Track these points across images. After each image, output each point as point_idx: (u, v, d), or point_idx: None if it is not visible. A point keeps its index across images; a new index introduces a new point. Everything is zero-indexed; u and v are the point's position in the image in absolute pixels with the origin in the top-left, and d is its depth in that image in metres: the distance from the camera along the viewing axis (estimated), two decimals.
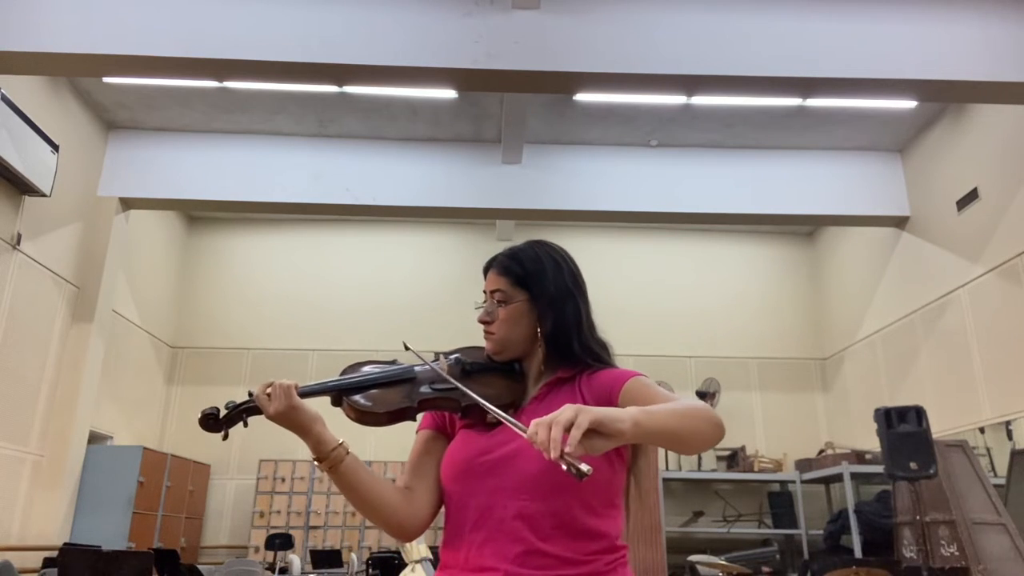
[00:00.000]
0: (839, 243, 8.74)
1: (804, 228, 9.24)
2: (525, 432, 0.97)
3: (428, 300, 8.77)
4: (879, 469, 5.31)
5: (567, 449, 0.91)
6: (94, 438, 6.91)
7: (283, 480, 7.91)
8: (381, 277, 8.96)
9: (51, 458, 6.32)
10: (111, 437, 7.42)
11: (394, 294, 8.85)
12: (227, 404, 1.27)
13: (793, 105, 6.54)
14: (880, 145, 7.41)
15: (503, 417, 1.09)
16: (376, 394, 1.29)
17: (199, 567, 5.29)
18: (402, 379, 1.33)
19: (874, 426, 4.84)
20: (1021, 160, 5.83)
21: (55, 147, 6.01)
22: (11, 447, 5.90)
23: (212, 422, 1.25)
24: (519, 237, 9.08)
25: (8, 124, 5.47)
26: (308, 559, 7.12)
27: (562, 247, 1.43)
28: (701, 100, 6.30)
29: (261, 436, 8.29)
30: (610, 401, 1.22)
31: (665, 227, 8.97)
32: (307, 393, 1.27)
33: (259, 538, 7.54)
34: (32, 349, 6.13)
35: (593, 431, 0.94)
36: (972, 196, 6.34)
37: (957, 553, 4.84)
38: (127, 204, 7.17)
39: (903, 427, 4.68)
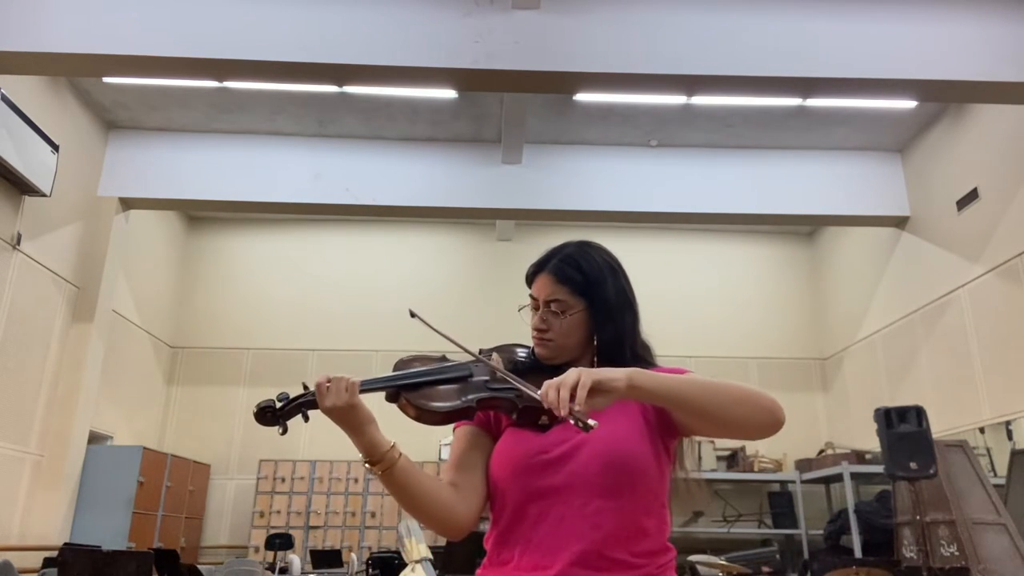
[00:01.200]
0: (839, 243, 8.74)
1: (804, 228, 9.24)
2: (537, 395, 1.07)
3: (428, 300, 8.77)
4: (879, 469, 5.31)
5: (575, 407, 1.01)
6: (94, 438, 6.91)
7: (283, 480, 7.91)
8: (381, 277, 8.95)
9: (51, 458, 6.32)
10: (111, 437, 7.42)
11: (394, 294, 8.85)
12: (280, 396, 1.22)
13: (793, 105, 6.53)
14: (880, 145, 7.41)
15: (528, 390, 1.14)
16: (435, 392, 1.26)
17: (199, 567, 5.29)
18: (459, 377, 1.30)
19: (874, 426, 4.84)
20: (1021, 160, 5.83)
21: (55, 147, 6.01)
22: (11, 447, 5.90)
23: (269, 415, 1.20)
24: (519, 237, 9.10)
25: (8, 124, 5.47)
26: (308, 559, 7.12)
27: (606, 248, 1.41)
28: (701, 100, 6.30)
29: (261, 436, 8.31)
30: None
31: (665, 227, 8.97)
32: (366, 389, 1.23)
33: (259, 538, 7.54)
34: (32, 349, 6.13)
35: (595, 390, 1.04)
36: (972, 196, 6.34)
37: (957, 553, 4.84)
38: (127, 204, 7.17)
39: (903, 427, 4.68)
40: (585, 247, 1.37)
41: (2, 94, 5.41)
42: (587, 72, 5.07)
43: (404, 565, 4.88)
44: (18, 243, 5.90)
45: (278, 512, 7.80)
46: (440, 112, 6.94)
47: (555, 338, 1.32)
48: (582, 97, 6.31)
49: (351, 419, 1.19)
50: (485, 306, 8.57)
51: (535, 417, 1.25)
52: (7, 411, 5.83)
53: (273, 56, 4.95)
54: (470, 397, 1.26)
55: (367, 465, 1.22)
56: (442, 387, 1.27)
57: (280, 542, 6.90)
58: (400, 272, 8.98)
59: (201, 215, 9.08)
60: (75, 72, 5.87)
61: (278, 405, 1.21)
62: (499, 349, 1.40)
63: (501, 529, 1.25)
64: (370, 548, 7.53)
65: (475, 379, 1.29)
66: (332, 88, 6.22)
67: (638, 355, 1.33)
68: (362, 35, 5.02)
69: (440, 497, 1.24)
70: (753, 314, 9.02)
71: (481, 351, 1.35)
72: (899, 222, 7.40)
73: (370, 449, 1.20)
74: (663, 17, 5.16)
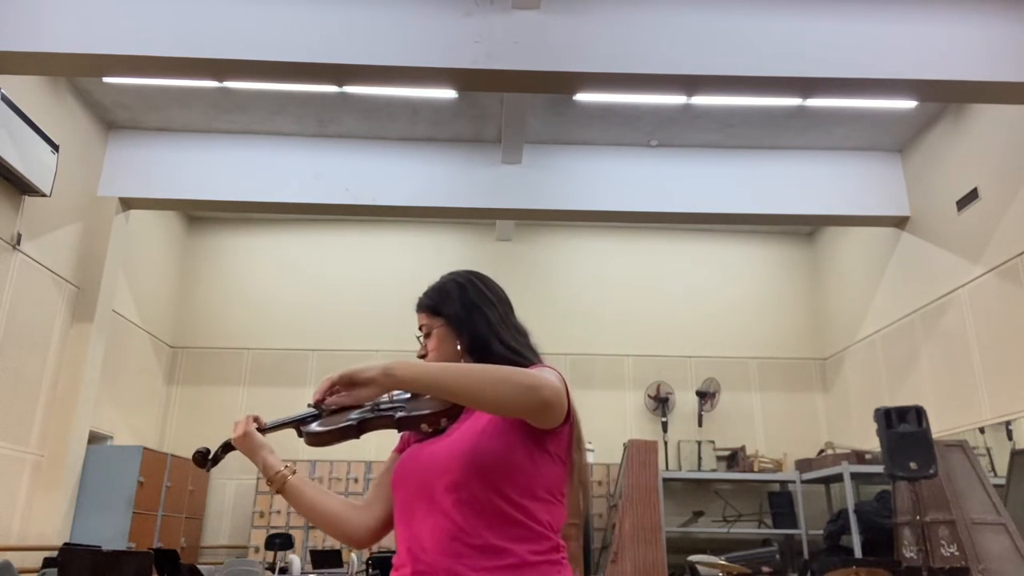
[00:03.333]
0: (839, 243, 8.74)
1: (804, 228, 9.24)
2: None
3: None
4: (879, 469, 5.31)
5: (317, 396, 1.27)
6: (94, 438, 6.91)
7: None
8: (381, 277, 8.95)
9: (51, 458, 6.32)
10: (111, 437, 7.42)
11: (394, 294, 8.83)
12: (224, 445, 1.52)
13: (793, 105, 6.53)
14: (880, 145, 7.41)
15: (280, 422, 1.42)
16: (321, 421, 1.42)
17: (199, 567, 5.29)
18: (345, 408, 1.43)
19: (874, 426, 4.85)
20: (1021, 160, 5.83)
21: (55, 147, 6.01)
22: (11, 447, 5.90)
23: (201, 460, 1.50)
24: (519, 237, 9.10)
25: (8, 124, 5.47)
26: (308, 559, 7.12)
27: (472, 270, 1.57)
28: (701, 100, 6.30)
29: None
30: None
31: (665, 227, 8.97)
32: (270, 428, 1.49)
33: (259, 538, 7.54)
34: (32, 349, 6.13)
35: (350, 382, 1.22)
36: (972, 196, 6.34)
37: (957, 553, 4.84)
38: (127, 204, 7.18)
39: (903, 427, 4.68)
40: (445, 277, 1.56)
41: (2, 94, 5.41)
42: (587, 72, 5.07)
43: None
44: (18, 243, 5.90)
45: (278, 512, 7.80)
46: (440, 112, 6.94)
47: (429, 358, 1.47)
48: (582, 97, 6.30)
49: (246, 446, 1.46)
50: None
51: (415, 426, 1.36)
52: (7, 411, 5.83)
53: (273, 56, 4.95)
54: (352, 417, 1.40)
55: (268, 484, 1.46)
56: (330, 416, 1.41)
57: (280, 542, 6.90)
58: (400, 272, 8.97)
59: (201, 215, 9.08)
60: (75, 72, 5.86)
61: (211, 453, 1.50)
62: None
63: (397, 536, 1.35)
64: (370, 548, 7.53)
65: (363, 407, 1.42)
66: (332, 88, 6.22)
67: (509, 346, 1.40)
68: (362, 35, 5.02)
69: (334, 511, 1.44)
70: (753, 314, 9.02)
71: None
72: (899, 222, 7.40)
73: (264, 470, 1.46)
74: (663, 17, 5.16)
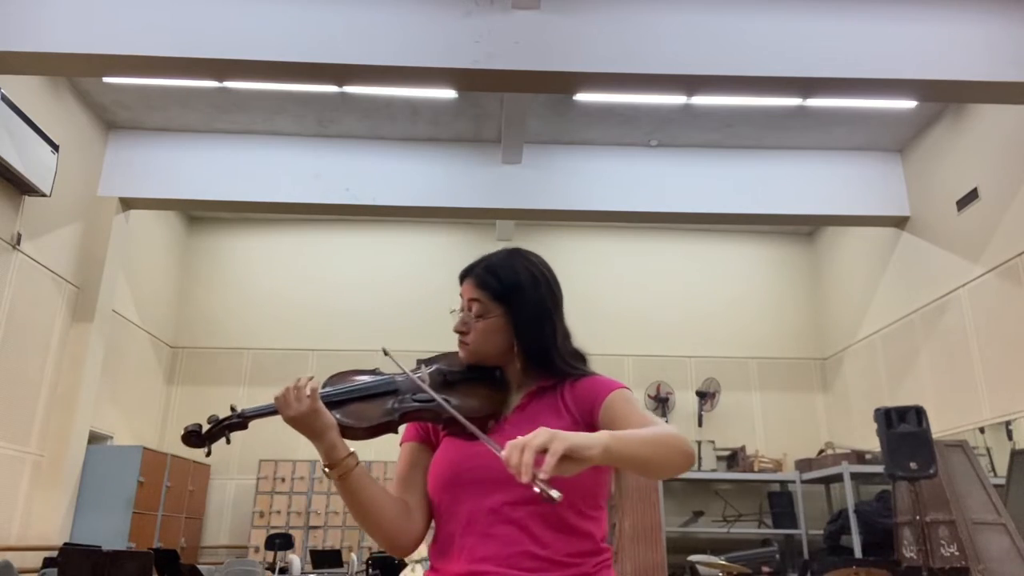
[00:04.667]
0: (839, 243, 8.74)
1: (804, 228, 9.24)
2: (500, 452, 1.00)
3: (428, 300, 8.76)
4: (879, 469, 5.31)
5: (541, 475, 0.94)
6: (94, 438, 6.91)
7: (283, 480, 7.91)
8: (381, 277, 8.95)
9: (51, 458, 6.32)
10: (111, 437, 7.42)
11: (394, 294, 8.85)
12: (210, 419, 1.27)
13: (793, 105, 6.53)
14: (880, 145, 7.41)
15: (479, 435, 1.12)
16: (357, 408, 1.29)
17: (199, 567, 5.29)
18: (384, 391, 1.32)
19: (874, 426, 4.84)
20: (1021, 160, 5.83)
21: (55, 147, 6.01)
22: (11, 447, 5.90)
23: (195, 438, 1.25)
24: (519, 237, 9.09)
25: (8, 124, 5.47)
26: (308, 559, 7.12)
27: (539, 256, 1.43)
28: (701, 100, 6.30)
29: (261, 436, 8.30)
30: (592, 412, 1.25)
31: (665, 227, 8.97)
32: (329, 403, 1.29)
33: (259, 538, 7.54)
34: (32, 349, 6.13)
35: (566, 457, 0.97)
36: (972, 196, 6.34)
37: (957, 553, 4.84)
38: (127, 204, 7.17)
39: (903, 427, 4.68)
40: (513, 255, 1.40)
41: (2, 94, 5.41)
42: (587, 72, 5.07)
43: (404, 565, 4.88)
44: (18, 243, 5.90)
45: (278, 512, 7.80)
46: (440, 112, 6.94)
47: (471, 342, 1.35)
48: (582, 97, 6.30)
49: (314, 425, 1.23)
50: None
51: (462, 426, 1.26)
52: (7, 411, 5.83)
53: (273, 56, 4.95)
54: (394, 409, 1.28)
55: (325, 470, 1.26)
56: (364, 403, 1.29)
57: (280, 542, 6.90)
58: (400, 272, 8.98)
59: (201, 215, 9.08)
60: (75, 72, 5.86)
61: (204, 429, 1.25)
62: (439, 357, 1.42)
63: (438, 538, 1.28)
64: (370, 548, 7.53)
65: (402, 392, 1.31)
66: (332, 88, 6.22)
67: (566, 361, 1.33)
68: (362, 35, 5.02)
69: (390, 513, 1.28)
70: (753, 314, 9.02)
71: (418, 361, 1.40)
72: (899, 222, 7.40)
73: (330, 452, 1.25)
74: (663, 17, 5.16)
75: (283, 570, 6.67)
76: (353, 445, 1.29)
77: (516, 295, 1.33)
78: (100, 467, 6.67)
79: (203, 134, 7.27)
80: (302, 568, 6.89)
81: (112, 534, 6.38)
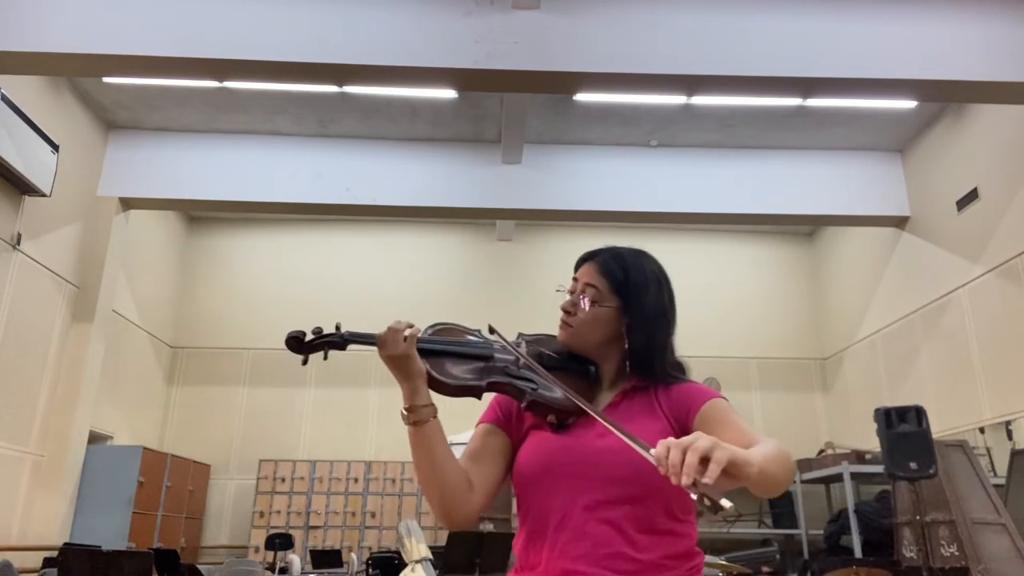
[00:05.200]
0: (839, 243, 8.74)
1: (804, 228, 9.24)
2: (649, 451, 0.94)
3: (428, 300, 8.77)
4: (879, 469, 5.31)
5: (707, 481, 0.88)
6: (94, 438, 6.91)
7: (283, 480, 7.91)
8: (381, 277, 8.95)
9: (51, 458, 6.32)
10: (111, 437, 7.42)
11: (394, 294, 8.85)
12: (314, 329, 1.29)
13: (793, 105, 6.53)
14: (880, 145, 7.41)
15: (610, 424, 1.06)
16: (449, 364, 1.29)
17: (199, 567, 5.29)
18: (479, 355, 1.31)
19: (874, 426, 4.84)
20: (1021, 160, 5.83)
21: (55, 147, 6.01)
22: (11, 447, 5.90)
23: (294, 344, 1.28)
24: (519, 237, 9.10)
25: (8, 124, 5.47)
26: (308, 559, 7.12)
27: (658, 262, 1.40)
28: (701, 100, 6.30)
29: (261, 436, 8.32)
30: (687, 418, 1.22)
31: (665, 227, 8.96)
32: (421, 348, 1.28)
33: (259, 538, 7.54)
34: (32, 349, 6.13)
35: (726, 471, 0.90)
36: (972, 196, 6.34)
37: (957, 553, 4.84)
38: (127, 204, 7.17)
39: (903, 427, 4.68)
40: (640, 254, 1.37)
41: (2, 94, 5.41)
42: (587, 72, 5.07)
43: (404, 565, 4.88)
44: (18, 243, 5.90)
45: (278, 512, 7.80)
46: (440, 112, 6.94)
47: (576, 324, 1.32)
48: (582, 97, 6.30)
49: (405, 368, 1.24)
50: (485, 305, 8.58)
51: (543, 413, 1.25)
52: (7, 411, 5.83)
53: (273, 56, 4.95)
54: (482, 376, 1.28)
55: (404, 412, 1.25)
56: (462, 362, 1.29)
57: (280, 542, 6.90)
58: (400, 272, 8.98)
59: (201, 215, 9.08)
60: (75, 72, 5.86)
61: (307, 337, 1.27)
62: (539, 339, 1.40)
63: (528, 532, 1.25)
64: (370, 548, 7.53)
65: (496, 362, 1.30)
66: (332, 88, 6.22)
67: (670, 371, 1.31)
68: (362, 35, 5.02)
69: (455, 477, 1.25)
70: (753, 314, 9.02)
71: (520, 335, 1.37)
72: (899, 222, 7.40)
73: (412, 396, 1.24)
74: (663, 17, 5.16)
75: (283, 570, 6.67)
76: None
77: (639, 293, 1.31)
78: (100, 467, 6.67)
79: (203, 134, 7.27)
80: (302, 568, 6.89)
81: (112, 534, 6.38)
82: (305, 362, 1.31)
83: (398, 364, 1.24)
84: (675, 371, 1.32)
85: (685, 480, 0.88)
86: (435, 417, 1.25)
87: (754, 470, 0.93)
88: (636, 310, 1.30)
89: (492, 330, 1.36)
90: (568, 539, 1.18)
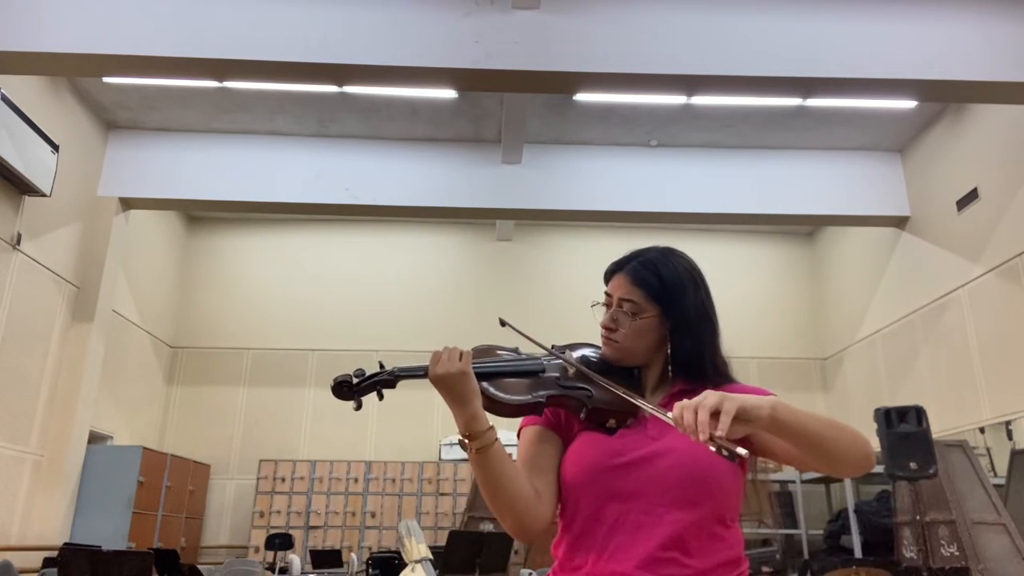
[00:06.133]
0: (839, 243, 8.74)
1: (804, 228, 9.24)
2: (668, 416, 1.01)
3: (428, 300, 8.77)
4: (879, 469, 5.31)
5: (718, 433, 0.95)
6: (94, 438, 6.91)
7: (283, 480, 7.91)
8: (381, 277, 8.95)
9: (51, 458, 6.32)
10: (111, 437, 7.42)
11: (394, 294, 8.85)
12: (356, 372, 1.23)
13: (793, 105, 6.53)
14: (880, 145, 7.41)
15: (651, 408, 1.10)
16: (505, 383, 1.24)
17: (199, 567, 5.29)
18: (531, 371, 1.27)
19: (874, 426, 4.84)
20: (1021, 160, 5.83)
21: (55, 147, 6.01)
22: (11, 447, 5.90)
23: (346, 390, 1.22)
24: (519, 237, 9.10)
25: (8, 124, 5.47)
26: (308, 559, 7.12)
27: (690, 257, 1.38)
28: (701, 100, 6.30)
29: (261, 436, 8.32)
30: None
31: (665, 227, 8.95)
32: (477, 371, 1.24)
33: (259, 538, 7.54)
34: (32, 349, 6.13)
35: (737, 418, 0.98)
36: (972, 196, 6.34)
37: (957, 553, 4.83)
38: (127, 204, 7.17)
39: (903, 427, 4.68)
40: (669, 254, 1.34)
41: (2, 94, 5.41)
42: (587, 72, 5.07)
43: (404, 565, 4.88)
44: (18, 243, 5.90)
45: (278, 512, 7.80)
46: (440, 112, 6.94)
47: (621, 340, 1.29)
48: (582, 97, 6.30)
49: (461, 389, 1.16)
50: (485, 305, 8.58)
51: (603, 419, 1.23)
52: (7, 411, 5.83)
53: (273, 56, 4.95)
54: (540, 393, 1.24)
55: (464, 440, 1.18)
56: (515, 380, 1.25)
57: (280, 542, 6.90)
58: (400, 272, 8.98)
59: (201, 215, 9.08)
60: (75, 72, 5.86)
61: (355, 381, 1.22)
62: (571, 347, 1.37)
63: (574, 534, 1.22)
64: (370, 548, 7.53)
65: (547, 375, 1.27)
66: (332, 88, 6.22)
67: (719, 371, 1.28)
68: (362, 35, 5.02)
69: (526, 492, 1.20)
70: (753, 314, 9.01)
71: (554, 347, 1.34)
72: (899, 222, 7.40)
73: (471, 423, 1.17)
74: (663, 17, 5.16)
75: (283, 570, 6.67)
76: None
77: (677, 297, 1.27)
78: (100, 467, 6.67)
79: (203, 134, 7.27)
80: (302, 568, 6.89)
81: (112, 534, 6.38)
82: (358, 407, 1.24)
83: (455, 384, 1.16)
84: (724, 369, 1.30)
85: (702, 436, 0.95)
86: (496, 439, 1.18)
87: (764, 412, 1.01)
88: (677, 314, 1.27)
89: (503, 323, 1.34)
90: (620, 543, 1.16)
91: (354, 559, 6.60)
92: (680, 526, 1.14)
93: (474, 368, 1.20)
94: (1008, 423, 5.82)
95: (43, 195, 5.95)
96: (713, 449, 0.95)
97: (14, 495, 5.95)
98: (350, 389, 1.22)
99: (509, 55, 5.03)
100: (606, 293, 1.34)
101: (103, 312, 6.84)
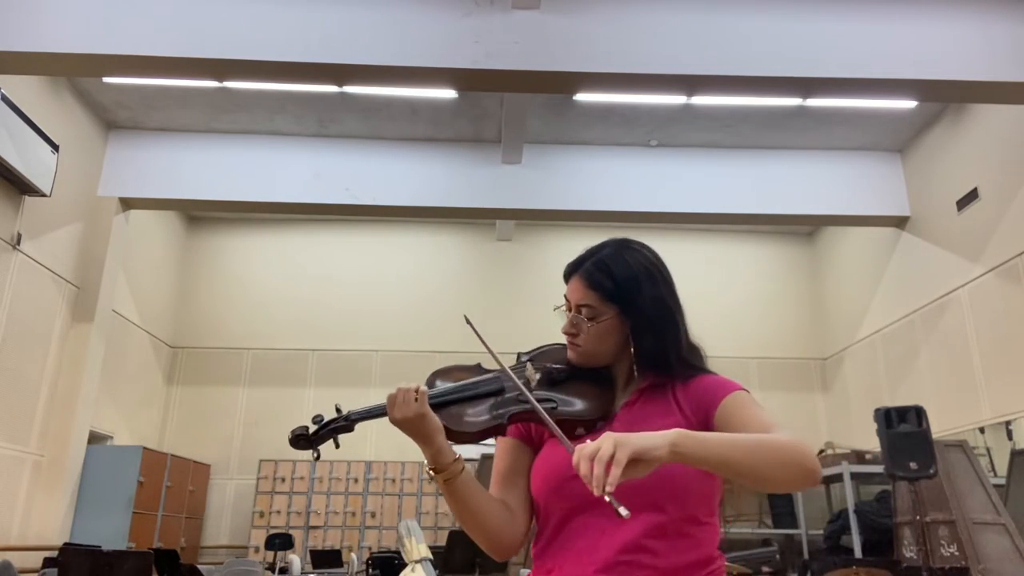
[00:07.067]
0: (839, 243, 8.74)
1: (804, 228, 9.24)
2: (571, 455, 0.99)
3: (428, 300, 8.77)
4: (879, 469, 5.31)
5: (609, 489, 0.92)
6: (94, 438, 6.91)
7: (283, 480, 7.91)
8: (381, 277, 8.95)
9: (51, 458, 6.32)
10: (111, 437, 7.42)
11: (394, 294, 8.85)
12: (315, 418, 1.24)
13: (793, 105, 6.53)
14: (880, 145, 7.41)
15: (562, 439, 1.08)
16: (464, 410, 1.25)
17: (199, 567, 5.29)
18: (489, 391, 1.28)
19: (874, 426, 4.84)
20: (1021, 160, 5.83)
21: (55, 147, 6.01)
22: (11, 447, 5.90)
23: (303, 442, 1.22)
24: (519, 237, 9.09)
25: (8, 124, 5.47)
26: (308, 559, 7.12)
27: (647, 246, 1.34)
28: (701, 100, 6.30)
29: (261, 436, 8.31)
30: (707, 415, 1.19)
31: (665, 227, 8.96)
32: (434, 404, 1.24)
33: (259, 538, 7.54)
34: (32, 349, 6.13)
35: (633, 461, 0.95)
36: (972, 196, 6.34)
37: (957, 553, 4.84)
38: (127, 204, 7.18)
39: (903, 427, 4.68)
40: (623, 249, 1.31)
41: (2, 94, 5.41)
42: (587, 72, 5.07)
43: (404, 565, 4.88)
44: (18, 243, 5.90)
45: (278, 512, 7.80)
46: (440, 112, 6.94)
47: (583, 344, 1.28)
48: (582, 97, 6.30)
49: (421, 430, 1.18)
50: (485, 306, 8.58)
51: (571, 429, 1.22)
52: (7, 411, 5.83)
53: (273, 56, 4.95)
54: (501, 412, 1.24)
55: (431, 473, 1.20)
56: (475, 403, 1.25)
57: (280, 542, 6.90)
58: (400, 272, 8.98)
59: (201, 215, 9.08)
60: (75, 72, 5.87)
61: (312, 431, 1.22)
62: (540, 353, 1.37)
63: (545, 539, 1.23)
64: (370, 548, 7.53)
65: (508, 394, 1.27)
66: (332, 88, 6.22)
67: (685, 361, 1.26)
68: (362, 35, 5.02)
69: (496, 516, 1.23)
70: (753, 314, 9.02)
71: (520, 356, 1.33)
72: (899, 222, 7.40)
73: (437, 457, 1.19)
74: (663, 17, 5.16)
75: (283, 570, 6.67)
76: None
77: (632, 294, 1.24)
78: (100, 467, 6.67)
79: (203, 134, 7.27)
80: (302, 568, 6.89)
81: (112, 534, 6.38)
82: (317, 457, 1.24)
83: (414, 426, 1.17)
84: (693, 358, 1.28)
85: (596, 492, 0.92)
86: (464, 468, 1.20)
87: (662, 452, 0.96)
88: (635, 312, 1.25)
89: (467, 321, 1.33)
90: (585, 546, 1.17)
91: (354, 559, 6.60)
92: (645, 529, 1.14)
93: (432, 400, 1.20)
94: (1008, 423, 5.82)
95: (43, 195, 5.95)
96: (607, 500, 0.93)
97: (14, 495, 5.95)
98: (307, 440, 1.22)
99: (509, 55, 5.03)
100: (565, 297, 1.32)
101: (103, 312, 6.84)
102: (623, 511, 0.92)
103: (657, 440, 0.97)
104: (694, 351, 1.30)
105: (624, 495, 1.09)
